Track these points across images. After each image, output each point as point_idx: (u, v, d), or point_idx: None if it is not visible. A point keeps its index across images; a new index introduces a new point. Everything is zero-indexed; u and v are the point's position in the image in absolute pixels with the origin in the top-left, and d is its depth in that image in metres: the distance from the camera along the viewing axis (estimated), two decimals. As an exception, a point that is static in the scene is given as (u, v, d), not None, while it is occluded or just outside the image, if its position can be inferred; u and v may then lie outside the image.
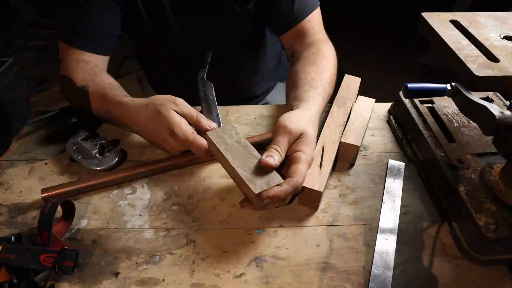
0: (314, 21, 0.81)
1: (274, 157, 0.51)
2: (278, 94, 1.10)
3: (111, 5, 0.76)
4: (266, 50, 0.99)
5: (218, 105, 0.68)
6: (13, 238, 0.48)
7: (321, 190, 0.54)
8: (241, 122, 0.75)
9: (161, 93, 0.62)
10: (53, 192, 0.58)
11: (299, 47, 0.79)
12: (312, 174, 0.56)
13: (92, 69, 0.72)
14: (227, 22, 0.85)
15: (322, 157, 0.59)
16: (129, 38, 0.92)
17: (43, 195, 0.58)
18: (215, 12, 0.82)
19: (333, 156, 0.60)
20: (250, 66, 0.99)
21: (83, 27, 0.74)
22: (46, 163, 0.66)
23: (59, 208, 0.54)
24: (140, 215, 0.58)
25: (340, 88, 0.74)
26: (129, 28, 0.84)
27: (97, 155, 0.64)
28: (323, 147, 0.61)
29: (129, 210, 0.58)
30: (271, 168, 0.50)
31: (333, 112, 0.69)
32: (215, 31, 0.86)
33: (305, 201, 0.57)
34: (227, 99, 0.76)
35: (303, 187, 0.55)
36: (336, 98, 0.72)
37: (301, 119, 0.57)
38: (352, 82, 0.76)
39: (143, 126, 0.61)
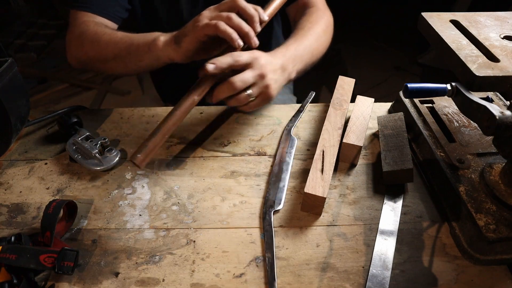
0: None
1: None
2: (278, 94, 1.11)
3: None
4: (270, 42, 1.00)
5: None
6: (13, 238, 0.48)
7: (325, 196, 0.54)
8: (240, 122, 0.75)
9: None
10: (146, 157, 0.57)
11: (300, 17, 0.85)
12: (315, 179, 0.56)
13: (105, 26, 0.75)
14: None
15: (323, 161, 0.59)
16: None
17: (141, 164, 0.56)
18: None
19: (334, 160, 0.60)
20: None
21: None
22: (46, 163, 0.66)
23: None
24: (140, 215, 0.58)
25: (335, 90, 0.74)
26: (130, 20, 0.85)
27: (97, 155, 0.64)
28: (323, 151, 0.61)
29: (129, 210, 0.58)
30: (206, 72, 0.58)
31: (330, 115, 0.68)
32: None
33: (308, 207, 0.57)
34: None
35: (306, 193, 0.54)
36: (332, 100, 0.72)
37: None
38: (346, 83, 0.76)
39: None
